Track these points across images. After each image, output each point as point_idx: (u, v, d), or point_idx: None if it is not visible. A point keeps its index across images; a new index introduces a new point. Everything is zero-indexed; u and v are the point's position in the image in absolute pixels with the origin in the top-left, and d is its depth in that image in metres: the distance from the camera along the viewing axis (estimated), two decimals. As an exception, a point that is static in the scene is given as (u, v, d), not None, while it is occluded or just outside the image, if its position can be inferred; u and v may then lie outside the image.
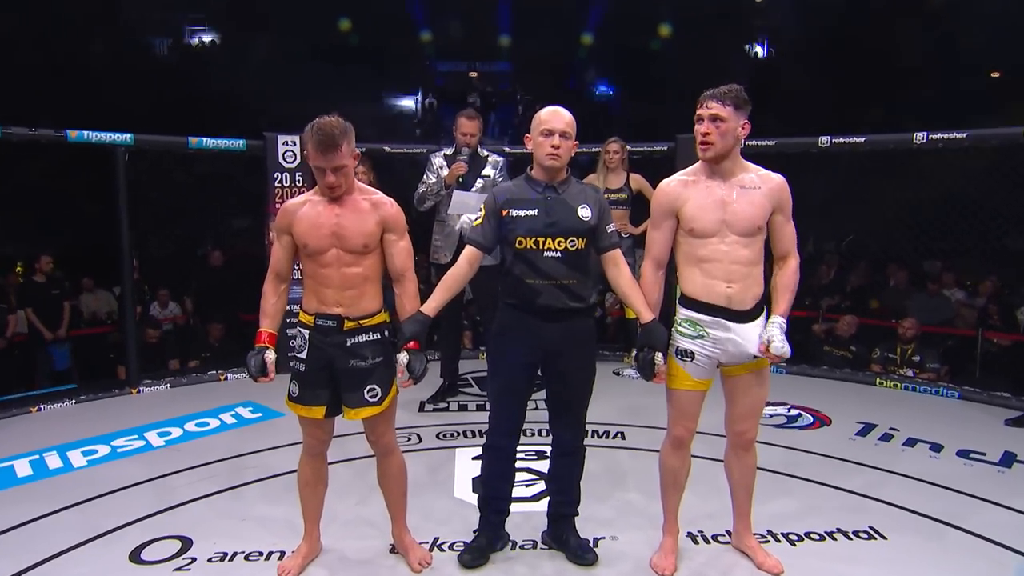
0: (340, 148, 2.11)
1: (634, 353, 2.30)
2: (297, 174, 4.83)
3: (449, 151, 4.14)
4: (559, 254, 2.22)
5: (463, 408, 4.14)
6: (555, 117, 2.25)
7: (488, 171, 4.08)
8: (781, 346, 2.15)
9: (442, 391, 4.28)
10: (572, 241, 2.23)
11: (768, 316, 2.24)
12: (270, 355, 2.23)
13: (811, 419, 3.96)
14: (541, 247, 2.23)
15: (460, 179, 3.97)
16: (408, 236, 2.30)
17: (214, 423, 3.91)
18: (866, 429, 3.77)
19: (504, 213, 2.27)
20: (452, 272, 2.32)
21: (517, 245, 2.25)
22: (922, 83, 9.12)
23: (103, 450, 3.50)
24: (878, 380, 4.70)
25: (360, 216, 2.20)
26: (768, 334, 2.18)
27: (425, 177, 4.12)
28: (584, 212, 2.26)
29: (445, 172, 4.03)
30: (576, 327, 2.28)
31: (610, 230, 2.31)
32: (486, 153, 4.19)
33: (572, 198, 2.27)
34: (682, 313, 2.27)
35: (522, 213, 2.25)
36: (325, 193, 2.19)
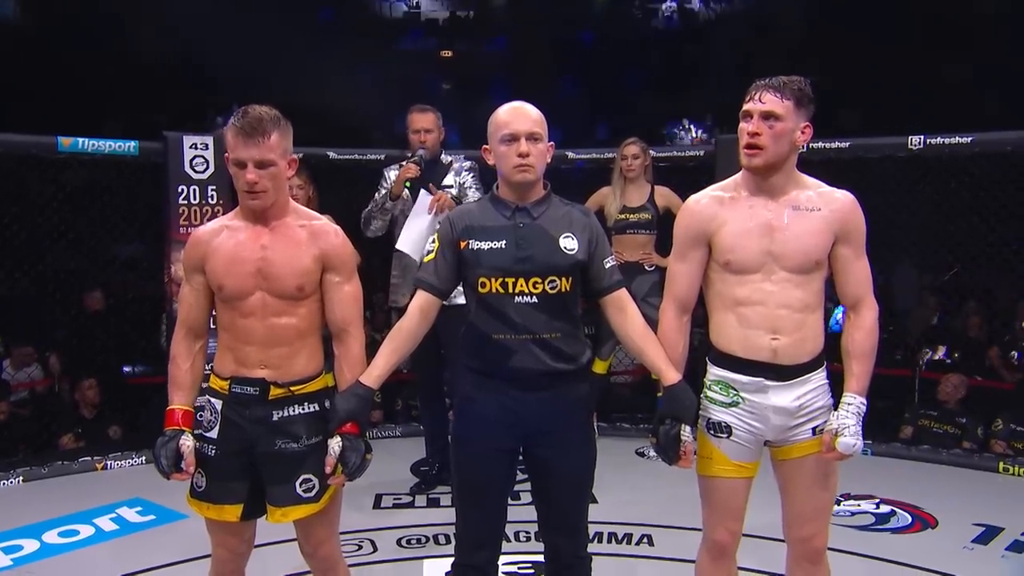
0: (268, 136, 2.18)
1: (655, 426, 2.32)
2: (210, 188, 4.93)
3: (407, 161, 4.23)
4: (535, 299, 2.27)
5: (433, 504, 4.17)
6: (517, 116, 2.30)
7: (450, 180, 4.16)
8: (853, 442, 2.17)
9: (433, 476, 4.34)
10: (552, 282, 2.28)
11: (812, 376, 2.26)
12: (187, 441, 2.24)
13: (909, 519, 4.00)
14: (511, 290, 2.27)
15: (408, 184, 3.98)
16: (357, 278, 2.36)
17: (87, 531, 3.90)
18: (987, 534, 3.80)
19: (463, 245, 2.32)
20: (401, 326, 2.36)
21: (480, 288, 2.30)
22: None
23: (-79, 573, 3.48)
24: (1002, 465, 4.74)
25: (293, 248, 2.27)
26: (838, 422, 2.21)
27: (376, 195, 4.24)
28: (568, 243, 2.30)
29: None
30: (565, 397, 2.33)
31: (608, 265, 2.35)
32: (449, 159, 4.28)
33: (552, 224, 2.32)
34: (712, 373, 2.35)
35: (486, 245, 2.30)
36: (245, 204, 2.26)
